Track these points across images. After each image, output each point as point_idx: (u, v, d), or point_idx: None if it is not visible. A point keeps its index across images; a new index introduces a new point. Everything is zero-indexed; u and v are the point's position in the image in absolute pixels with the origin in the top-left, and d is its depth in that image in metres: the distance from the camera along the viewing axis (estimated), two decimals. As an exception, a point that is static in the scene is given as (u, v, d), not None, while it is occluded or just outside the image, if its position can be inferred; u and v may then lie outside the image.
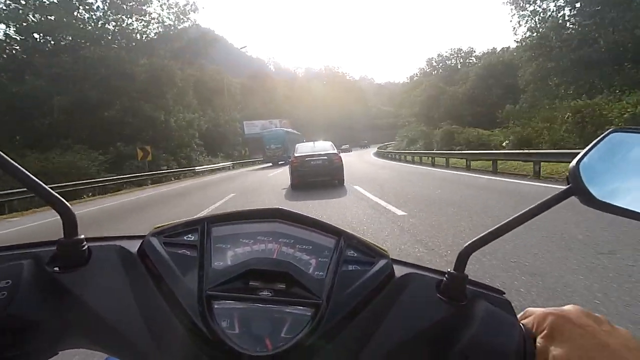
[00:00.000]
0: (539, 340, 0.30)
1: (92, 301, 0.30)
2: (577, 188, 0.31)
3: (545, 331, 0.30)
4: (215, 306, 0.29)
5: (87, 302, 0.30)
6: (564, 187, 0.31)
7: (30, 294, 0.29)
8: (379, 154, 33.63)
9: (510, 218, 0.32)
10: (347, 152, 48.45)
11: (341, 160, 9.62)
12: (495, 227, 0.32)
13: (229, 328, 0.27)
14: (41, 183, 0.30)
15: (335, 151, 9.94)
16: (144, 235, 0.35)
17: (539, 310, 0.32)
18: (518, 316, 0.33)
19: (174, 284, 0.30)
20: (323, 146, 10.50)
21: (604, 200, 0.31)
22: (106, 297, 0.31)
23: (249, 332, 0.28)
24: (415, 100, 40.37)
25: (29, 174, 0.30)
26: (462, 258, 0.33)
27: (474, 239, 0.33)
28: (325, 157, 9.53)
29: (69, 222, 0.32)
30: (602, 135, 0.34)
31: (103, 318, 0.30)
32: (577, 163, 0.31)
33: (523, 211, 0.32)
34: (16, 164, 0.29)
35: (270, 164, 30.18)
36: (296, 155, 9.78)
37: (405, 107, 44.44)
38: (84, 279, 0.31)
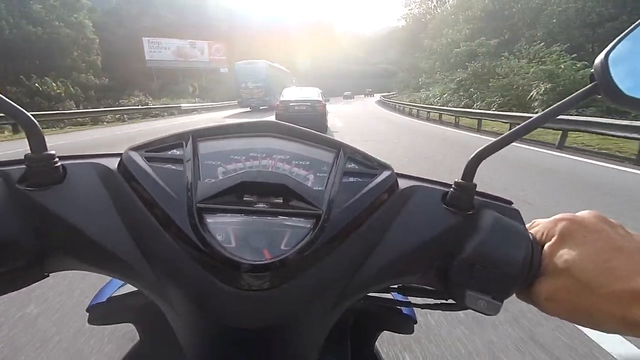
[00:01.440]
0: (547, 246, 0.30)
1: (72, 219, 0.29)
2: (603, 83, 0.29)
3: (555, 237, 0.30)
4: (208, 220, 0.28)
5: (67, 220, 0.29)
6: (588, 85, 0.29)
7: (2, 212, 0.27)
8: (385, 105, 31.02)
9: (527, 122, 0.30)
10: (349, 99, 48.69)
11: (324, 108, 10.33)
12: (509, 132, 0.31)
13: (225, 242, 0.27)
14: (1, 95, 0.28)
15: (320, 99, 10.50)
16: (121, 153, 0.33)
17: (547, 219, 0.32)
18: (526, 225, 0.33)
19: (160, 199, 0.28)
20: (309, 93, 10.91)
21: (633, 95, 0.28)
22: (88, 214, 0.29)
23: (246, 244, 0.27)
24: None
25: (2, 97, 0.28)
26: (471, 166, 0.32)
27: (483, 146, 0.32)
28: (309, 104, 10.02)
29: (36, 136, 0.29)
30: (631, 27, 0.29)
31: (87, 236, 0.29)
32: (605, 55, 0.29)
33: (541, 112, 0.30)
34: None
35: (249, 109, 25.55)
36: (281, 99, 10.20)
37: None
38: (61, 196, 0.30)
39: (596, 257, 0.27)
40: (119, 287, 0.46)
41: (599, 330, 0.27)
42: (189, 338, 0.31)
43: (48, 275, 0.31)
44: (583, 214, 0.30)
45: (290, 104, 9.96)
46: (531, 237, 0.31)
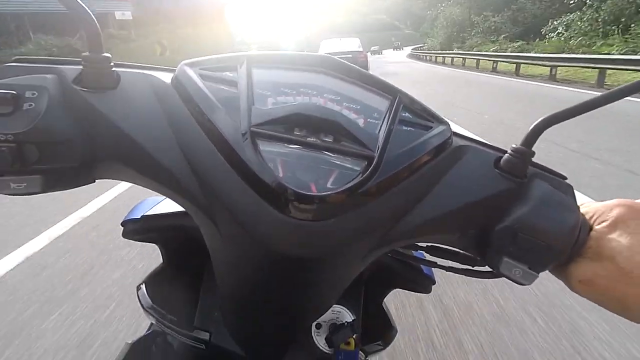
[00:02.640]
0: (597, 229, 0.29)
1: (125, 126, 0.29)
2: None
3: (607, 221, 0.29)
4: (260, 146, 0.28)
5: (120, 126, 0.29)
6: None
7: (58, 108, 0.28)
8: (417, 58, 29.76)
9: (598, 96, 0.29)
10: (377, 54, 47.60)
11: (366, 57, 10.71)
12: (580, 103, 0.30)
13: (274, 170, 0.27)
14: None
15: (361, 49, 10.68)
16: (175, 69, 0.33)
17: (600, 203, 0.31)
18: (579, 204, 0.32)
19: (214, 118, 0.28)
20: (350, 43, 11.16)
21: None
22: (140, 123, 0.30)
23: (293, 176, 0.27)
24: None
25: None
26: (534, 133, 0.31)
27: (549, 115, 0.31)
28: (351, 56, 10.15)
29: (95, 36, 0.29)
30: None
31: (138, 144, 0.29)
32: None
33: (610, 91, 0.29)
34: None
35: None
36: (321, 52, 10.42)
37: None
38: (115, 101, 0.30)
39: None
40: (152, 207, 0.49)
41: (628, 318, 0.28)
42: (227, 257, 0.32)
43: (94, 181, 0.32)
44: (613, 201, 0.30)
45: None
46: (581, 215, 0.31)
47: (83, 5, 0.28)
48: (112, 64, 0.31)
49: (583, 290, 0.29)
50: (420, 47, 49.69)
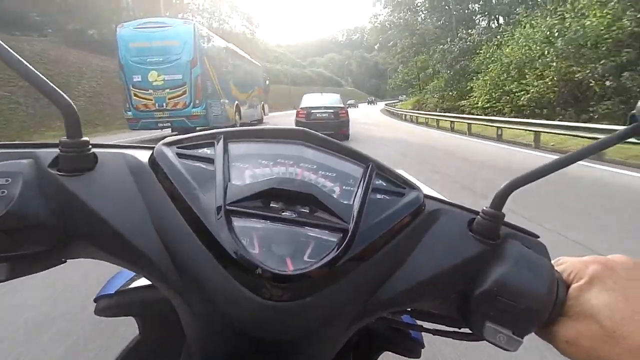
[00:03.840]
0: (574, 287, 0.30)
1: (99, 208, 0.30)
2: None
3: (584, 279, 0.29)
4: (235, 223, 0.28)
5: (94, 209, 0.30)
6: (627, 126, 0.29)
7: (32, 194, 0.28)
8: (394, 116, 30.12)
9: (562, 157, 0.31)
10: (354, 108, 48.19)
11: (347, 115, 10.30)
12: (543, 165, 0.31)
13: (249, 246, 0.27)
14: (42, 75, 0.28)
15: (342, 105, 10.63)
16: (154, 147, 0.34)
17: (575, 259, 0.32)
18: (553, 262, 0.33)
19: (189, 197, 0.29)
20: (330, 99, 11.03)
21: None
22: (115, 205, 0.30)
23: (269, 251, 0.27)
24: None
25: (28, 64, 0.29)
26: (501, 196, 0.33)
27: (516, 177, 0.32)
28: (332, 111, 10.14)
29: (72, 120, 0.30)
30: None
31: (112, 226, 0.29)
32: None
33: (579, 149, 0.31)
34: (15, 54, 0.28)
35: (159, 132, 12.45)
36: (302, 106, 10.39)
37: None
38: (90, 184, 0.31)
39: (626, 305, 0.27)
40: (127, 281, 0.47)
41: None
42: (201, 338, 0.31)
43: (65, 261, 0.32)
44: (616, 257, 0.30)
45: (312, 112, 10.10)
46: (557, 273, 0.31)
47: (62, 93, 0.29)
48: (89, 146, 0.31)
49: (570, 352, 0.29)
50: (394, 103, 51.69)
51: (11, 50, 0.28)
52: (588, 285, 0.29)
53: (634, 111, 0.29)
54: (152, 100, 10.48)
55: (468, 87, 20.76)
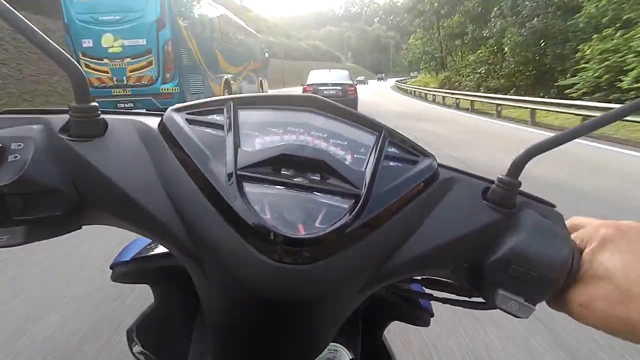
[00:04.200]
0: (587, 251, 0.30)
1: (111, 173, 0.30)
2: None
3: (596, 242, 0.30)
4: (246, 189, 0.28)
5: (106, 174, 0.30)
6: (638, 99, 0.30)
7: (44, 159, 0.29)
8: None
9: (578, 126, 0.31)
10: (364, 84, 47.42)
11: (356, 92, 10.11)
12: (560, 132, 0.31)
13: (260, 212, 0.27)
14: (53, 43, 0.29)
15: (351, 82, 10.45)
16: (162, 113, 0.34)
17: (588, 220, 0.33)
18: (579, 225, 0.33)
19: (200, 162, 0.30)
20: (338, 75, 10.88)
21: None
22: (126, 169, 0.31)
23: (281, 217, 0.28)
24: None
25: (38, 30, 0.29)
26: (518, 164, 0.32)
27: (532, 145, 0.32)
28: (340, 88, 10.06)
29: (81, 86, 0.31)
30: None
31: (124, 191, 0.30)
32: None
33: (593, 119, 0.30)
34: (29, 23, 0.29)
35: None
36: (309, 83, 10.42)
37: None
38: (101, 149, 0.31)
39: (626, 232, 0.29)
40: (142, 248, 0.48)
41: (635, 341, 0.28)
42: (216, 302, 0.32)
43: (81, 227, 0.33)
44: (628, 223, 0.31)
45: (320, 88, 9.95)
46: (572, 241, 0.32)
47: (69, 56, 0.29)
48: (99, 112, 0.32)
49: (585, 316, 0.29)
50: (403, 79, 50.62)
51: (26, 20, 0.29)
52: (600, 248, 0.29)
53: None
54: (108, 72, 7.88)
55: (572, 57, 13.83)
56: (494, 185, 0.34)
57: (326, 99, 0.36)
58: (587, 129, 0.30)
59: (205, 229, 0.29)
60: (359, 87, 14.29)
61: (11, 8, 0.28)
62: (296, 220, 0.28)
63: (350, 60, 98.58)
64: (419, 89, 24.11)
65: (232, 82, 12.36)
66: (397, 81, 47.93)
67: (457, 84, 22.90)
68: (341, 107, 0.36)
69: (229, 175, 0.28)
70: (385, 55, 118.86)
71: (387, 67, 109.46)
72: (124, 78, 7.93)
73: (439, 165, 0.36)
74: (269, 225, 0.26)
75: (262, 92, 18.16)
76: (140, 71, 7.97)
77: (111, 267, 0.48)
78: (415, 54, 35.26)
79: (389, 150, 0.34)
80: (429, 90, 21.31)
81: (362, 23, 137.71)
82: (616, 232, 0.30)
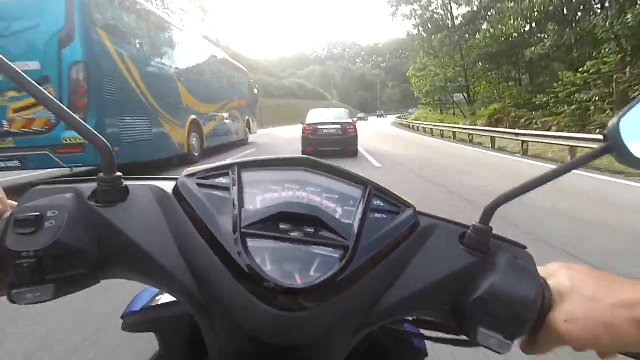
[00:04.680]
0: (550, 283, 0.36)
1: (132, 234, 0.35)
2: (615, 145, 0.33)
3: (552, 275, 0.36)
4: (249, 244, 0.32)
5: (127, 235, 0.35)
6: (602, 145, 0.34)
7: (75, 224, 0.34)
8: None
9: (543, 174, 0.35)
10: (364, 121, 48.64)
11: (356, 130, 10.36)
12: (526, 182, 0.35)
13: (262, 264, 0.31)
14: (81, 120, 0.35)
15: (350, 120, 10.72)
16: (177, 178, 0.40)
17: (558, 264, 0.38)
18: (539, 269, 0.38)
19: (209, 222, 0.34)
20: (337, 114, 11.30)
21: None
22: (145, 231, 0.36)
23: (280, 268, 0.31)
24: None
25: (69, 111, 0.34)
26: (489, 211, 0.37)
27: (502, 194, 0.36)
28: (339, 127, 10.25)
29: (108, 159, 0.36)
30: None
31: (143, 250, 0.35)
32: (618, 120, 0.33)
33: (557, 167, 0.35)
34: (54, 99, 0.33)
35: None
36: (308, 122, 10.41)
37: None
38: (124, 213, 0.36)
39: (594, 280, 0.34)
40: (151, 298, 0.53)
41: (624, 350, 0.32)
42: (222, 349, 0.35)
43: (100, 282, 0.37)
44: (575, 264, 0.37)
45: (319, 127, 10.17)
46: (542, 280, 0.36)
47: (98, 135, 0.35)
48: (122, 181, 0.38)
49: (571, 331, 0.33)
50: (402, 115, 51.77)
51: (54, 99, 0.33)
52: (559, 277, 0.36)
53: (605, 130, 0.33)
54: None
55: None
56: (469, 230, 0.38)
57: (318, 160, 0.42)
58: (550, 177, 0.35)
59: (213, 282, 0.33)
60: (359, 124, 14.03)
61: (46, 93, 0.33)
62: (293, 271, 0.31)
63: (336, 98, 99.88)
64: (448, 127, 18.81)
65: (203, 123, 10.33)
66: (397, 117, 51.21)
67: (523, 121, 16.15)
68: (332, 166, 0.42)
69: (234, 233, 0.33)
70: (371, 93, 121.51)
71: (373, 105, 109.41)
72: (3, 122, 5.39)
73: (419, 213, 0.41)
74: (269, 277, 0.30)
75: (250, 133, 15.47)
76: (30, 111, 5.32)
77: (122, 317, 0.51)
78: (430, 84, 29.12)
79: (375, 203, 0.39)
80: (477, 131, 14.90)
81: (346, 62, 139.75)
82: (565, 266, 0.37)
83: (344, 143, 10.13)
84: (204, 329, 0.36)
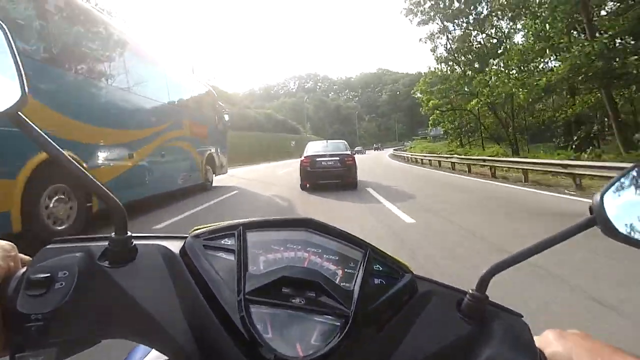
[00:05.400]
0: (547, 351, 0.37)
1: (138, 295, 0.36)
2: (600, 218, 0.35)
3: (548, 344, 0.38)
4: (252, 309, 0.34)
5: (133, 296, 0.36)
6: (587, 217, 0.36)
7: (84, 285, 0.35)
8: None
9: (533, 244, 0.38)
10: (362, 154, 51.18)
11: (354, 161, 10.88)
12: (518, 252, 0.38)
13: (263, 331, 0.33)
14: (94, 179, 0.37)
15: (348, 152, 11.27)
16: (185, 236, 0.43)
17: (554, 333, 0.40)
18: (535, 338, 0.40)
19: (214, 286, 0.36)
20: (335, 146, 11.75)
21: (626, 233, 0.35)
22: (151, 292, 0.37)
23: (281, 336, 0.33)
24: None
25: (83, 169, 0.36)
26: (484, 279, 0.40)
27: (496, 262, 0.39)
28: (337, 158, 10.72)
29: (120, 219, 0.38)
30: (626, 169, 0.39)
31: (147, 311, 0.36)
32: (601, 195, 0.36)
33: (546, 238, 0.37)
34: (70, 159, 0.36)
35: None
36: (306, 155, 10.97)
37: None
38: (131, 274, 0.38)
39: (594, 352, 0.35)
40: (147, 354, 0.54)
41: None
42: None
43: (100, 342, 0.38)
44: (568, 331, 0.40)
45: (317, 159, 10.72)
46: (539, 350, 0.38)
47: (112, 195, 0.37)
48: (132, 241, 0.40)
49: None
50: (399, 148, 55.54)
51: (72, 160, 0.36)
52: (552, 347, 0.37)
53: (591, 203, 0.36)
54: None
55: None
56: (466, 298, 0.41)
57: (319, 221, 0.45)
58: (540, 248, 0.37)
59: (214, 347, 0.34)
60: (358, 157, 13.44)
61: (65, 154, 0.36)
62: (294, 339, 0.33)
63: (310, 131, 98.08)
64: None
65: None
66: (394, 150, 53.96)
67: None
68: (332, 227, 0.45)
69: (238, 301, 0.34)
70: (347, 127, 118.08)
71: (350, 138, 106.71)
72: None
73: (417, 277, 0.44)
74: (270, 347, 0.32)
75: (216, 174, 11.09)
76: None
77: None
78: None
79: (374, 267, 0.42)
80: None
81: (320, 94, 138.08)
82: (560, 335, 0.39)
83: (342, 175, 10.60)
84: None
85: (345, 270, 0.40)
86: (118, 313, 0.36)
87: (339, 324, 0.34)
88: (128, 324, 0.37)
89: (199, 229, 0.43)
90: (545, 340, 0.39)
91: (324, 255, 0.41)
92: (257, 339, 0.32)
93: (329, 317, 0.35)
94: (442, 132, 33.07)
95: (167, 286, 0.37)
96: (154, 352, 0.53)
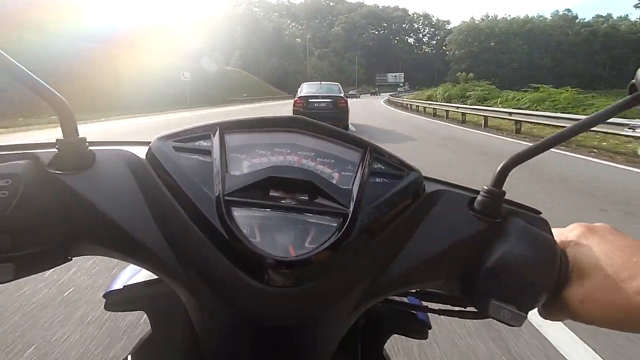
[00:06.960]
0: (568, 251, 0.37)
1: (100, 204, 0.35)
2: None
3: (573, 243, 0.37)
4: (235, 213, 0.33)
5: (95, 205, 0.35)
6: (628, 96, 0.34)
7: (33, 194, 0.33)
8: None
9: (563, 130, 0.36)
10: (356, 98, 52.93)
11: (347, 103, 12.51)
12: (540, 141, 0.37)
13: (250, 236, 0.32)
14: (35, 76, 0.34)
15: (342, 94, 12.93)
16: (149, 142, 0.41)
17: (559, 229, 0.40)
18: (558, 232, 0.41)
19: (188, 189, 0.34)
20: (329, 88, 13.38)
21: None
22: (115, 200, 0.36)
23: (271, 240, 0.32)
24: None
25: (21, 66, 0.33)
26: (502, 173, 0.38)
27: (515, 154, 0.38)
28: (330, 100, 12.16)
29: (68, 120, 0.36)
30: None
31: (114, 221, 0.35)
32: None
33: (579, 122, 0.35)
34: (4, 54, 0.33)
35: None
36: (300, 95, 12.73)
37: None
38: (90, 181, 0.36)
39: (621, 252, 0.34)
40: (135, 275, 0.54)
41: (636, 329, 0.33)
42: (209, 328, 0.37)
43: (71, 259, 0.38)
44: (595, 224, 0.39)
45: (310, 100, 12.12)
46: (560, 248, 0.38)
47: (54, 91, 0.34)
48: (87, 144, 0.38)
49: (587, 311, 0.34)
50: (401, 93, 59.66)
51: (6, 55, 0.32)
52: (580, 246, 0.36)
53: (633, 80, 0.33)
54: None
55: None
56: (479, 195, 0.40)
57: (311, 119, 0.43)
58: (568, 135, 0.36)
59: (195, 256, 0.33)
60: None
61: None
62: (286, 242, 0.32)
63: (238, 64, 77.49)
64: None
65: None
66: (391, 95, 54.52)
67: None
68: (326, 126, 0.43)
69: (217, 201, 0.33)
70: (290, 62, 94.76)
71: (293, 79, 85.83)
72: None
73: (425, 178, 0.43)
74: (258, 249, 0.30)
75: None
76: None
77: (104, 296, 0.52)
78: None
79: (375, 166, 0.40)
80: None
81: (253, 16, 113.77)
82: (587, 230, 0.37)
83: (334, 117, 11.67)
84: (189, 307, 0.36)
85: (342, 173, 0.38)
86: (81, 225, 0.35)
87: (336, 224, 0.33)
88: (96, 238, 0.36)
89: (167, 133, 0.41)
90: (569, 236, 0.38)
91: (317, 158, 0.39)
92: (242, 243, 0.30)
93: (325, 216, 0.34)
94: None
95: (134, 194, 0.36)
96: (144, 271, 0.53)
